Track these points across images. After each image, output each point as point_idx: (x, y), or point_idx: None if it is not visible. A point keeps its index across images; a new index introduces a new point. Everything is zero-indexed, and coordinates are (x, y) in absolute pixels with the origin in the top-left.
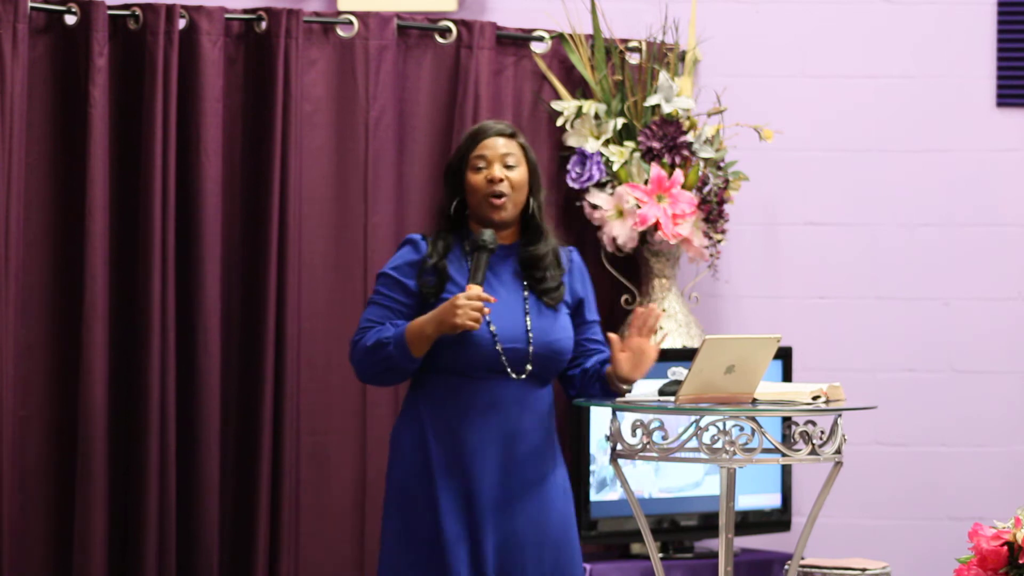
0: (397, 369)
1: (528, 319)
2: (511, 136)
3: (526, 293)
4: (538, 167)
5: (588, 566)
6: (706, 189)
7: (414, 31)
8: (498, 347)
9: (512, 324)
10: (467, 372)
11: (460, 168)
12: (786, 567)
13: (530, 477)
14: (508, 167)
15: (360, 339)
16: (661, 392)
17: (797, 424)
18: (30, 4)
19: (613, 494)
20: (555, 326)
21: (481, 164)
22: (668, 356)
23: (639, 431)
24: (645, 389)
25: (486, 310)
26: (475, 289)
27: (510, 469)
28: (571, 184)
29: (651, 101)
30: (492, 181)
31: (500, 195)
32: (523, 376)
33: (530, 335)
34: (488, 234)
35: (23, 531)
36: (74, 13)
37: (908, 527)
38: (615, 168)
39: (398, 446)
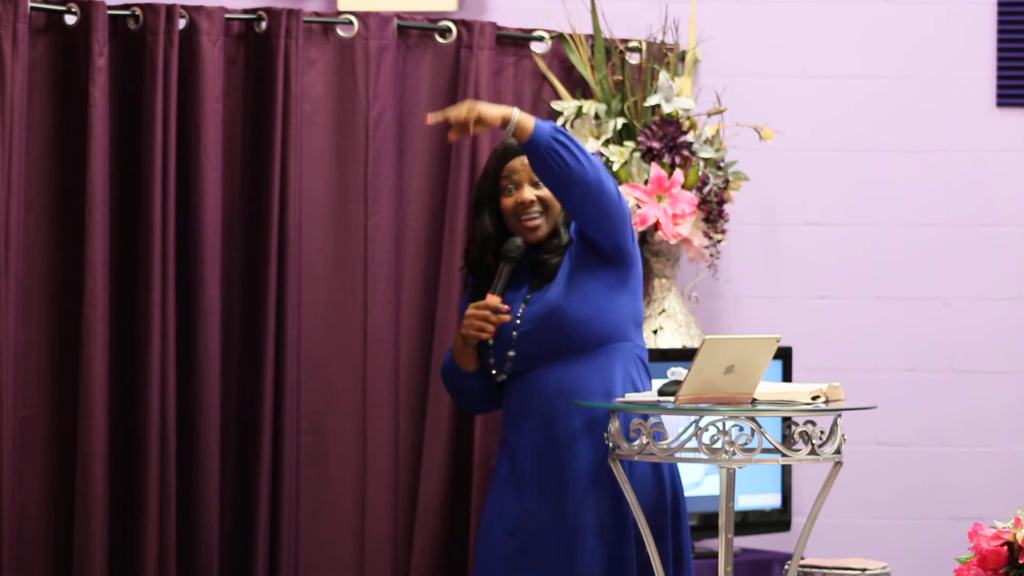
0: (463, 389)
1: (522, 308)
2: None
3: (530, 284)
4: None
5: None
6: (706, 189)
7: (414, 31)
8: (490, 351)
9: (506, 325)
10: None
11: (486, 200)
12: (786, 567)
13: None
14: (535, 184)
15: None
16: (661, 392)
17: (797, 424)
18: (30, 4)
19: None
20: (545, 298)
21: (510, 186)
22: (668, 356)
23: (639, 431)
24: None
25: (504, 318)
26: (490, 299)
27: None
28: None
29: (651, 101)
30: (523, 204)
31: (532, 217)
32: (504, 371)
33: (517, 321)
34: (515, 244)
35: (23, 531)
36: (74, 13)
37: (908, 527)
38: (615, 168)
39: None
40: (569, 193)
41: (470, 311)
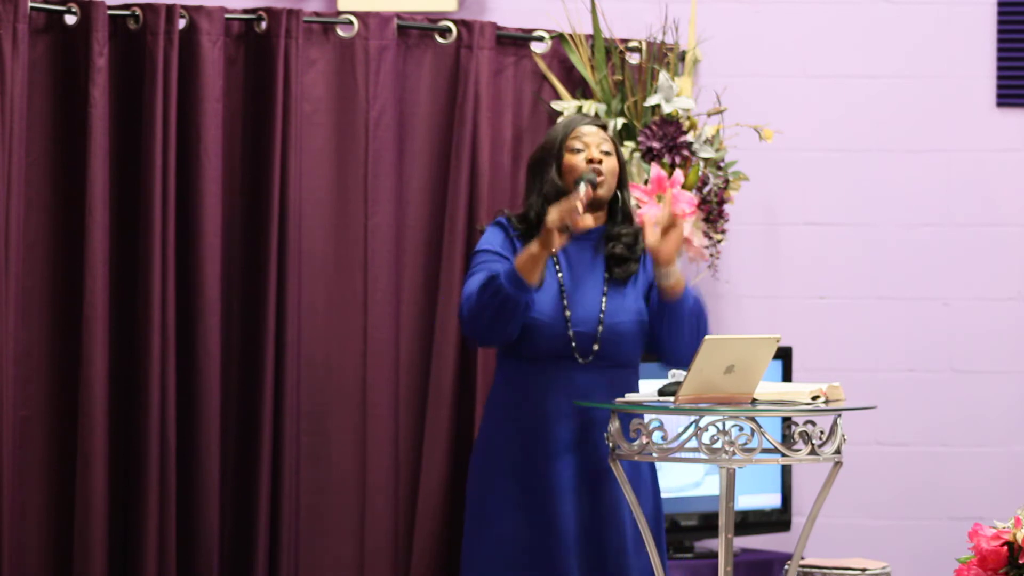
0: (509, 301)
1: (604, 300)
2: (603, 128)
3: (606, 275)
4: (626, 163)
5: None
6: (706, 189)
7: (414, 31)
8: (570, 332)
9: (587, 308)
10: (538, 358)
11: (552, 156)
12: (786, 567)
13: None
14: (604, 152)
15: (468, 294)
16: (661, 392)
17: (797, 424)
18: (30, 4)
19: None
20: (622, 307)
21: (579, 146)
22: None
23: (639, 431)
24: (645, 389)
25: (588, 221)
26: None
27: (586, 452)
28: None
29: (651, 101)
30: (592, 161)
31: (600, 173)
32: (589, 359)
33: (601, 316)
34: (589, 172)
35: (23, 531)
36: (74, 13)
37: (908, 527)
38: None
39: (481, 437)
40: (671, 332)
41: (560, 204)
